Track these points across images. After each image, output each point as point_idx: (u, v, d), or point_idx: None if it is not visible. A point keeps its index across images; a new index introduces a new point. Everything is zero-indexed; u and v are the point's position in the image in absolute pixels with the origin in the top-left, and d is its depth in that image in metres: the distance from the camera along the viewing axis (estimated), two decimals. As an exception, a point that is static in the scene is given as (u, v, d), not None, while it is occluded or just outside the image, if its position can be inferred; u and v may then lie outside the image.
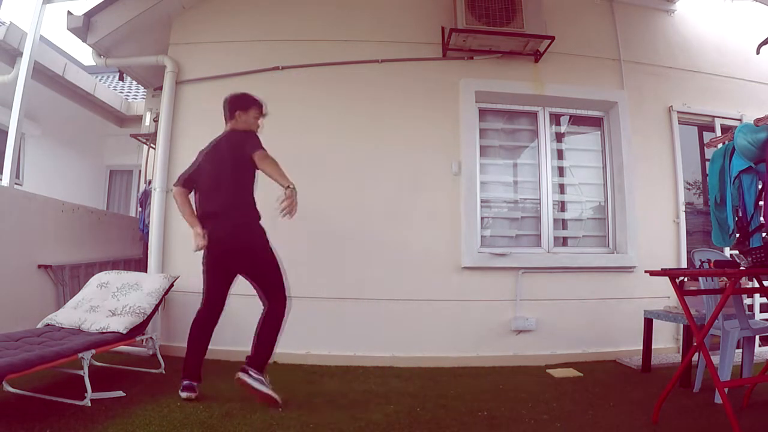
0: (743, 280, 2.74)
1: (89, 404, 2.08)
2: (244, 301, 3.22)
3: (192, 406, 2.17)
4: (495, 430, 1.98)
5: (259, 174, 2.37)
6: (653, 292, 3.28)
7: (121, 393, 2.28)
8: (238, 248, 2.29)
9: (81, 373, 2.11)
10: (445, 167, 3.37)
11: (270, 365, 3.01)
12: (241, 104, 2.44)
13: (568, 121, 3.75)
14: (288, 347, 3.13)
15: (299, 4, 3.55)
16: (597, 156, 3.74)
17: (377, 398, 2.39)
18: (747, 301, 3.60)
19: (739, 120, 3.70)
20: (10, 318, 2.96)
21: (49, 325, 2.57)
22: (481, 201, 3.49)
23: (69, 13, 3.48)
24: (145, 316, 2.63)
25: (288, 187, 2.15)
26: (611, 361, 3.25)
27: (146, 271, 3.28)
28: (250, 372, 2.22)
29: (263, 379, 2.24)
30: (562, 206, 3.66)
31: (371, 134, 3.38)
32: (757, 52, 2.76)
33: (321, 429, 1.96)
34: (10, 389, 2.19)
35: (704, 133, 3.94)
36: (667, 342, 3.46)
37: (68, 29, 3.48)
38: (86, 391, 2.10)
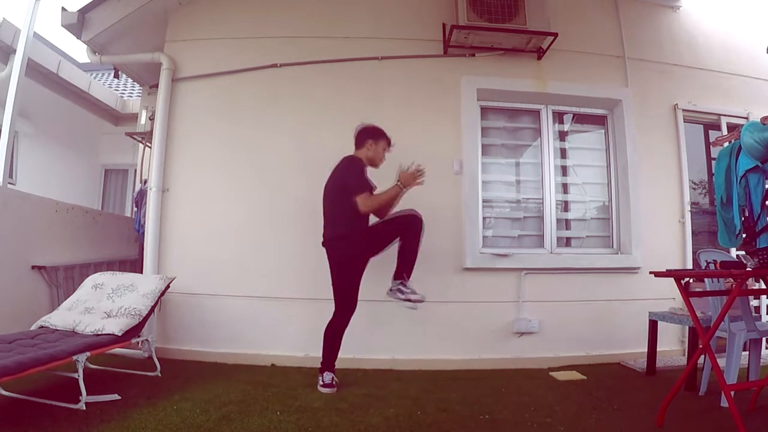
0: (750, 281, 2.74)
1: (84, 408, 2.08)
2: (244, 303, 3.23)
3: (189, 409, 2.17)
4: (497, 434, 1.98)
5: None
6: (658, 293, 3.28)
7: (116, 396, 2.28)
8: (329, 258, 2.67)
9: (75, 375, 2.11)
10: (447, 166, 3.37)
11: (268, 368, 3.03)
12: (374, 134, 2.75)
13: (572, 120, 3.75)
14: (286, 349, 3.15)
15: (298, 1, 3.55)
16: (601, 155, 3.74)
17: (377, 402, 2.39)
18: (754, 302, 3.60)
19: (746, 118, 3.69)
20: (4, 320, 2.96)
21: (43, 327, 2.57)
22: (483, 201, 3.49)
23: (63, 9, 3.48)
24: (141, 318, 2.63)
25: (399, 186, 2.61)
26: (615, 364, 3.25)
27: (142, 272, 3.28)
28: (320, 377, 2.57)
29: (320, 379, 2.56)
30: (565, 206, 3.66)
31: (371, 133, 3.37)
32: (768, 52, 2.76)
33: (320, 433, 1.95)
34: (3, 392, 2.19)
35: (710, 131, 3.94)
36: (672, 344, 3.46)
37: (62, 26, 3.48)
38: (81, 395, 2.10)
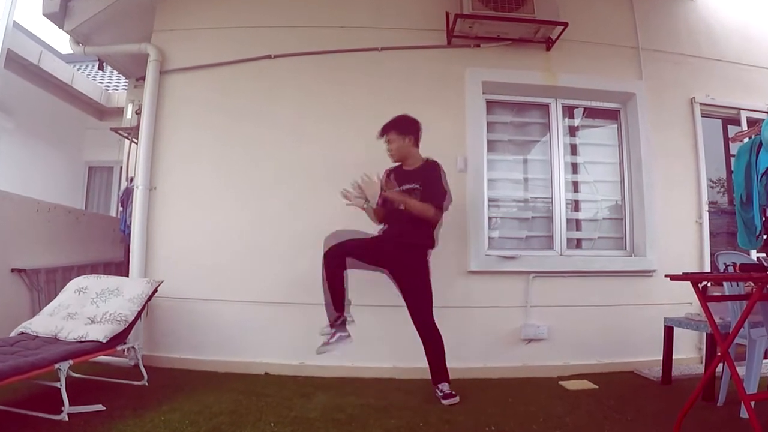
0: (771, 285, 2.73)
1: (66, 419, 2.08)
2: (236, 308, 3.23)
3: (177, 420, 2.17)
4: (503, 447, 1.99)
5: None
6: (674, 297, 3.27)
7: (100, 407, 2.28)
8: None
9: (58, 385, 2.11)
10: (450, 163, 3.35)
11: (261, 376, 3.04)
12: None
13: (583, 114, 3.75)
14: (281, 357, 3.15)
15: (293, -12, 3.56)
16: (613, 151, 3.74)
17: (377, 413, 2.39)
18: (775, 307, 3.60)
19: (767, 113, 3.69)
20: (-18, 326, 2.96)
21: (23, 333, 2.57)
22: (489, 200, 3.49)
23: (44, -3, 3.48)
24: (127, 324, 2.63)
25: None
26: (629, 372, 3.26)
27: (128, 276, 3.28)
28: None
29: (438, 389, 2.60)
30: (575, 205, 3.66)
31: (370, 128, 3.35)
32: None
33: (316, 445, 1.96)
34: (-18, 403, 2.19)
35: (729, 126, 3.94)
36: (689, 352, 3.46)
37: (44, 14, 3.48)
38: (63, 405, 2.10)
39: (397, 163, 2.84)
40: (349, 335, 2.64)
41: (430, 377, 2.94)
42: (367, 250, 2.70)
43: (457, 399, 2.54)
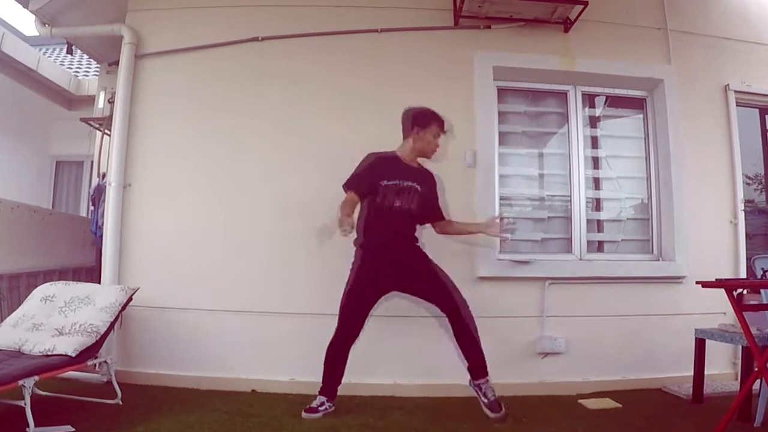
0: (814, 292, 2.73)
1: (31, 441, 2.07)
2: (220, 318, 3.23)
3: (154, 443, 2.16)
4: (517, 473, 1.98)
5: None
6: (706, 307, 3.27)
7: (70, 428, 2.27)
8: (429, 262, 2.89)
9: (22, 403, 2.10)
10: (457, 157, 3.37)
11: (248, 394, 3.03)
12: (420, 120, 2.80)
13: (605, 103, 3.76)
14: (269, 373, 3.15)
15: (283, -37, 3.55)
16: (639, 144, 3.74)
17: (376, 434, 2.39)
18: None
19: (809, 101, 3.70)
20: (-63, 338, 2.95)
21: (-17, 346, 2.56)
22: (501, 198, 3.50)
23: (7, -27, 3.48)
24: (99, 336, 2.62)
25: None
26: (656, 390, 3.25)
27: (99, 282, 3.27)
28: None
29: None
30: (596, 204, 3.66)
31: (368, 118, 3.37)
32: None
33: (309, 471, 1.96)
34: (-63, 423, 2.19)
35: (767, 116, 3.94)
36: (722, 367, 3.46)
37: (6, -8, 3.47)
38: (28, 426, 2.08)
39: (429, 159, 2.91)
40: (334, 406, 2.71)
41: (432, 395, 2.95)
42: (381, 292, 2.77)
43: (502, 413, 2.57)
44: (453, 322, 2.67)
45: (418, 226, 2.85)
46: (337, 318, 2.71)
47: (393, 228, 2.72)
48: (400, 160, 2.82)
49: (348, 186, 2.75)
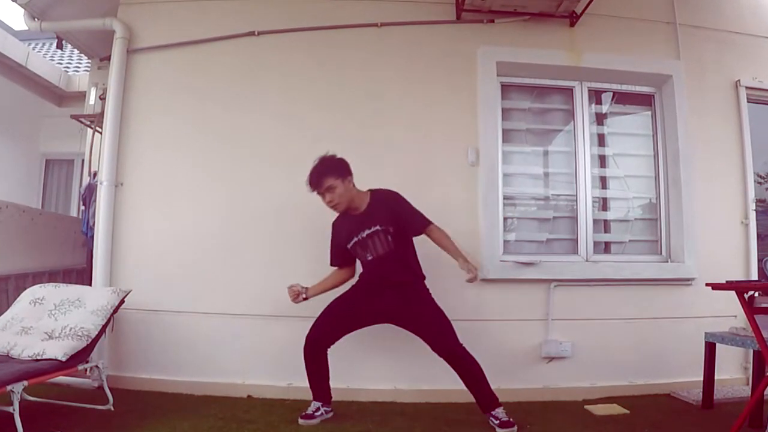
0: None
1: (20, 448, 2.07)
2: (216, 322, 3.23)
3: (147, 450, 2.17)
4: (521, 481, 1.99)
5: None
6: (716, 310, 3.28)
7: (59, 435, 2.28)
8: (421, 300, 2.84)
9: (10, 409, 2.10)
10: (460, 156, 3.37)
11: (244, 400, 3.04)
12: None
13: (612, 99, 3.76)
14: (266, 378, 3.15)
15: (280, -45, 3.56)
16: (647, 142, 3.74)
17: (376, 441, 2.40)
18: (832, 320, 3.60)
19: (823, 97, 3.70)
20: (-77, 342, 2.95)
21: (-30, 350, 2.56)
22: (504, 197, 3.49)
23: (-5, -35, 3.48)
24: (90, 340, 2.63)
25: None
26: (664, 395, 3.26)
27: (91, 284, 3.27)
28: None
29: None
30: (603, 204, 3.67)
31: (367, 115, 3.38)
32: None
33: (306, 479, 1.96)
34: (-77, 430, 2.19)
35: (779, 113, 3.94)
36: (733, 371, 3.46)
37: (-6, -15, 3.48)
38: (16, 433, 2.09)
39: (338, 213, 2.78)
40: (332, 411, 2.73)
41: (434, 401, 2.95)
42: (358, 315, 2.73)
43: (515, 429, 2.51)
44: (452, 365, 2.63)
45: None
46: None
47: (379, 277, 2.71)
48: (347, 214, 2.77)
49: (331, 263, 2.88)
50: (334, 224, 2.83)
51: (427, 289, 2.76)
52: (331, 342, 2.71)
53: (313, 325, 2.71)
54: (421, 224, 2.73)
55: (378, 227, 2.66)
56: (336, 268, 2.87)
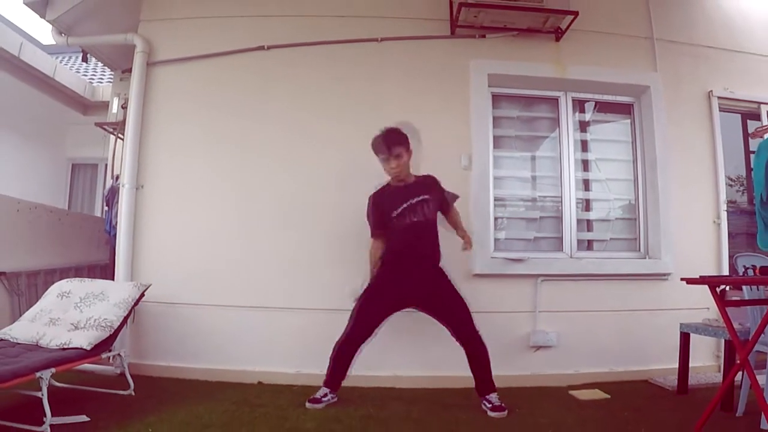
0: (793, 288, 2.74)
1: (48, 430, 2.07)
2: (229, 313, 3.23)
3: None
4: (510, 460, 1.99)
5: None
6: (691, 302, 3.28)
7: (85, 418, 2.28)
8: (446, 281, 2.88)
9: (39, 394, 2.10)
10: (454, 160, 3.37)
11: (255, 386, 3.04)
12: (374, 149, 2.82)
13: (594, 108, 3.76)
14: (275, 365, 3.15)
15: (288, -25, 3.55)
16: (626, 148, 3.74)
17: (376, 424, 2.39)
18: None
19: (789, 107, 3.70)
20: (-41, 332, 2.95)
21: (2, 340, 2.57)
22: (495, 199, 3.49)
23: (25, -15, 3.48)
24: (112, 330, 2.63)
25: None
26: (643, 381, 3.26)
27: (113, 279, 3.28)
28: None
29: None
30: (586, 205, 3.66)
31: (369, 123, 3.35)
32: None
33: (312, 458, 1.96)
34: (-41, 413, 2.19)
35: (749, 121, 3.94)
36: (706, 359, 3.46)
37: (24, 3, 3.48)
38: (45, 416, 2.09)
39: (392, 180, 2.81)
40: (336, 397, 2.72)
41: (431, 387, 2.94)
42: (389, 305, 2.73)
43: (505, 413, 2.53)
44: (468, 350, 2.66)
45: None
46: (348, 316, 2.74)
47: (411, 246, 2.73)
48: (393, 186, 2.80)
49: (374, 235, 2.81)
50: (374, 199, 2.81)
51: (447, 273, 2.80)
52: (367, 340, 2.72)
53: (352, 327, 2.70)
54: (451, 203, 2.90)
55: (427, 196, 2.75)
56: (375, 240, 2.82)
